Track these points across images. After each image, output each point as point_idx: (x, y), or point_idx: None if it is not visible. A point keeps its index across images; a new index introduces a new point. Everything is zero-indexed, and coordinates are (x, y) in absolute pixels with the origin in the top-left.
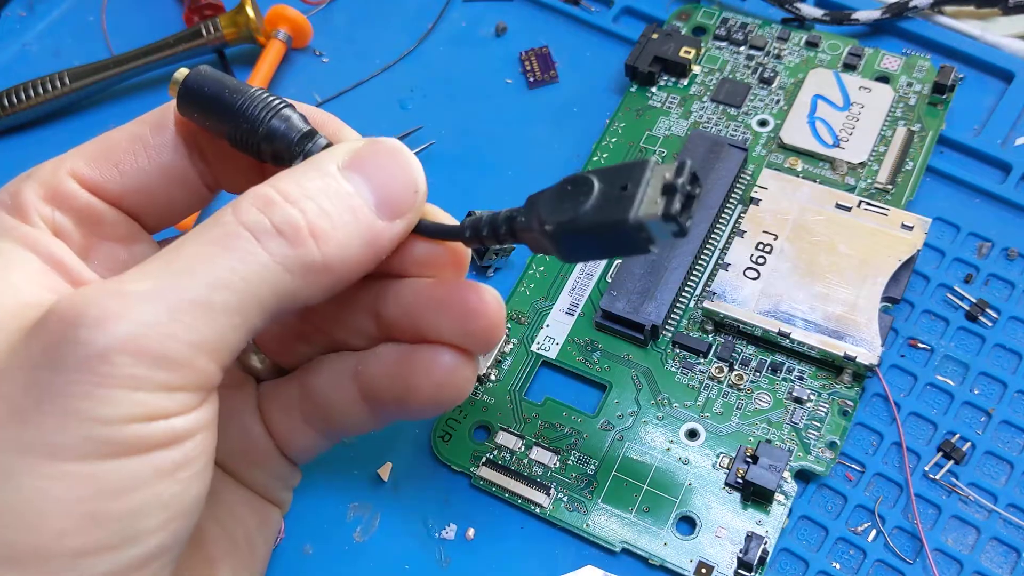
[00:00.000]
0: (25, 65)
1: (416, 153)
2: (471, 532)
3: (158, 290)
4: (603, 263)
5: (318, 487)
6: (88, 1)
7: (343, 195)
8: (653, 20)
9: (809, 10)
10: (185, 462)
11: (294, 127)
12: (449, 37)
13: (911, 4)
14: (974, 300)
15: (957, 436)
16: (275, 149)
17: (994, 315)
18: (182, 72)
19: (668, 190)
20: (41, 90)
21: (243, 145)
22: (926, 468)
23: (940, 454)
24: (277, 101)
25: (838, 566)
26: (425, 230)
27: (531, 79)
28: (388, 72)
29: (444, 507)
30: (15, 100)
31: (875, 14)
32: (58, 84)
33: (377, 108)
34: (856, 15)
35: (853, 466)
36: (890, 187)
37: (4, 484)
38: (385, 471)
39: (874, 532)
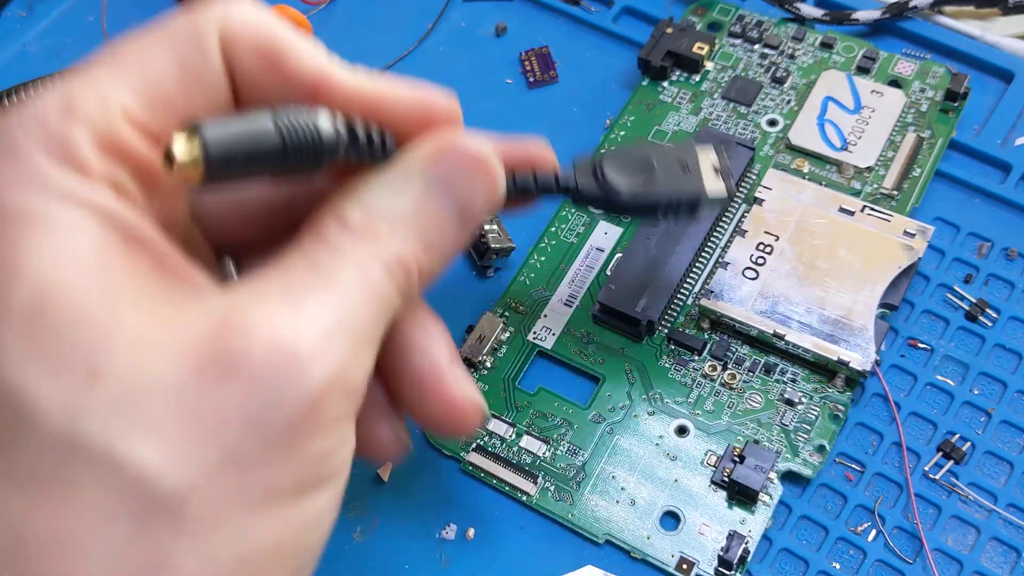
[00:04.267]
0: (25, 65)
1: None
2: (471, 532)
3: (344, 321)
4: (603, 257)
5: None
6: (88, 1)
7: (435, 220)
8: (653, 20)
9: (809, 10)
10: (344, 482)
11: (338, 139)
12: (449, 37)
13: (911, 4)
14: (974, 300)
15: (957, 436)
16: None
17: (994, 315)
18: (186, 143)
19: (719, 171)
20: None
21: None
22: (926, 468)
23: (940, 454)
24: (306, 116)
25: (838, 566)
26: None
27: (531, 79)
28: (388, 72)
29: (444, 507)
30: (15, 100)
31: (875, 14)
32: None
33: None
34: (856, 15)
35: (853, 466)
36: (895, 193)
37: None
38: (385, 471)
39: (874, 532)
